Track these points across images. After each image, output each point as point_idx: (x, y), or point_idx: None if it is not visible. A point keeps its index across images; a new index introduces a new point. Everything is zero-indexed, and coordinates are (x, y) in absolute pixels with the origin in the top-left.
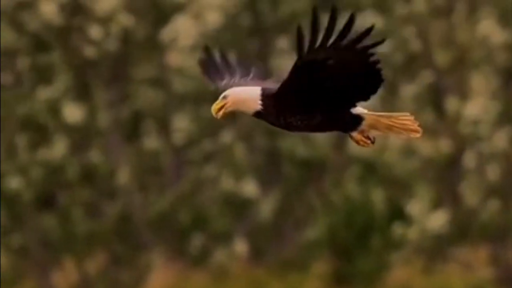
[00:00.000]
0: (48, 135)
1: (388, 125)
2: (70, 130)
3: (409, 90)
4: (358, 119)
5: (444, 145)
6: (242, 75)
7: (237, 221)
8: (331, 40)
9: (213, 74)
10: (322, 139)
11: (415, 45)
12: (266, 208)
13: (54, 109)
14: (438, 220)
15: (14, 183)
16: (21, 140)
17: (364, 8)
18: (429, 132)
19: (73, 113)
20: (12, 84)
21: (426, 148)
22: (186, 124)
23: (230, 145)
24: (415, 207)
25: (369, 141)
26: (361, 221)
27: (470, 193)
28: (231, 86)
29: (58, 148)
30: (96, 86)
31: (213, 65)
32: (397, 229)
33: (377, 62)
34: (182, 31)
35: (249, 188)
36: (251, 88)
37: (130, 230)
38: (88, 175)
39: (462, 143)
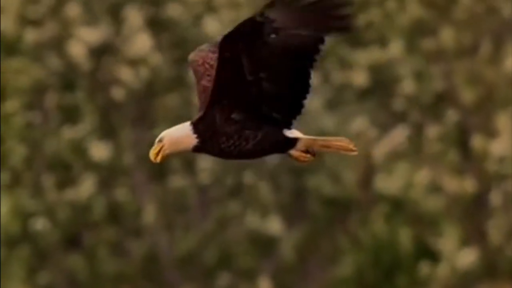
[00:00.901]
0: (74, 175)
1: (324, 145)
2: (96, 168)
3: (435, 130)
4: (292, 141)
5: (470, 184)
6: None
7: (263, 259)
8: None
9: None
10: (349, 177)
11: (441, 83)
12: (291, 246)
13: (80, 148)
14: (467, 258)
15: (40, 223)
16: (48, 180)
17: (389, 41)
18: (455, 170)
19: (99, 151)
20: (40, 123)
21: (452, 186)
22: (211, 163)
23: (254, 183)
24: (444, 244)
25: (308, 155)
26: (388, 260)
27: (496, 232)
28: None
29: (84, 188)
30: (121, 124)
31: None
32: (424, 267)
33: (322, 40)
34: None
35: (274, 226)
36: (181, 125)
37: (157, 268)
38: (114, 214)
39: (488, 182)
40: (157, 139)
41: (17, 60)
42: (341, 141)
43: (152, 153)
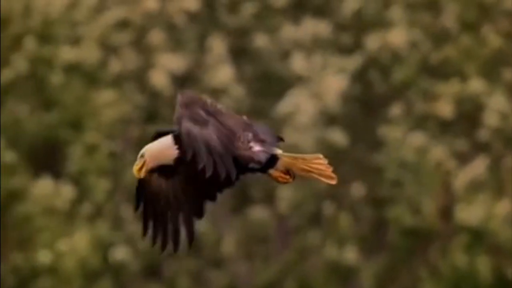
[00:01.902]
0: None
1: (304, 168)
2: None
3: None
4: (273, 159)
5: None
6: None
7: None
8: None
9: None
10: (429, 207)
11: None
12: (370, 276)
13: None
14: None
15: (121, 253)
16: (128, 211)
17: (470, 76)
18: None
19: None
20: (120, 154)
21: None
22: (291, 193)
23: (334, 213)
24: None
25: (288, 177)
26: None
27: None
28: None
29: None
30: None
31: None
32: None
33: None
34: (295, 106)
35: (352, 256)
36: (163, 138)
37: None
38: (194, 244)
39: None
40: (139, 155)
41: (101, 92)
42: (319, 161)
43: (135, 169)
